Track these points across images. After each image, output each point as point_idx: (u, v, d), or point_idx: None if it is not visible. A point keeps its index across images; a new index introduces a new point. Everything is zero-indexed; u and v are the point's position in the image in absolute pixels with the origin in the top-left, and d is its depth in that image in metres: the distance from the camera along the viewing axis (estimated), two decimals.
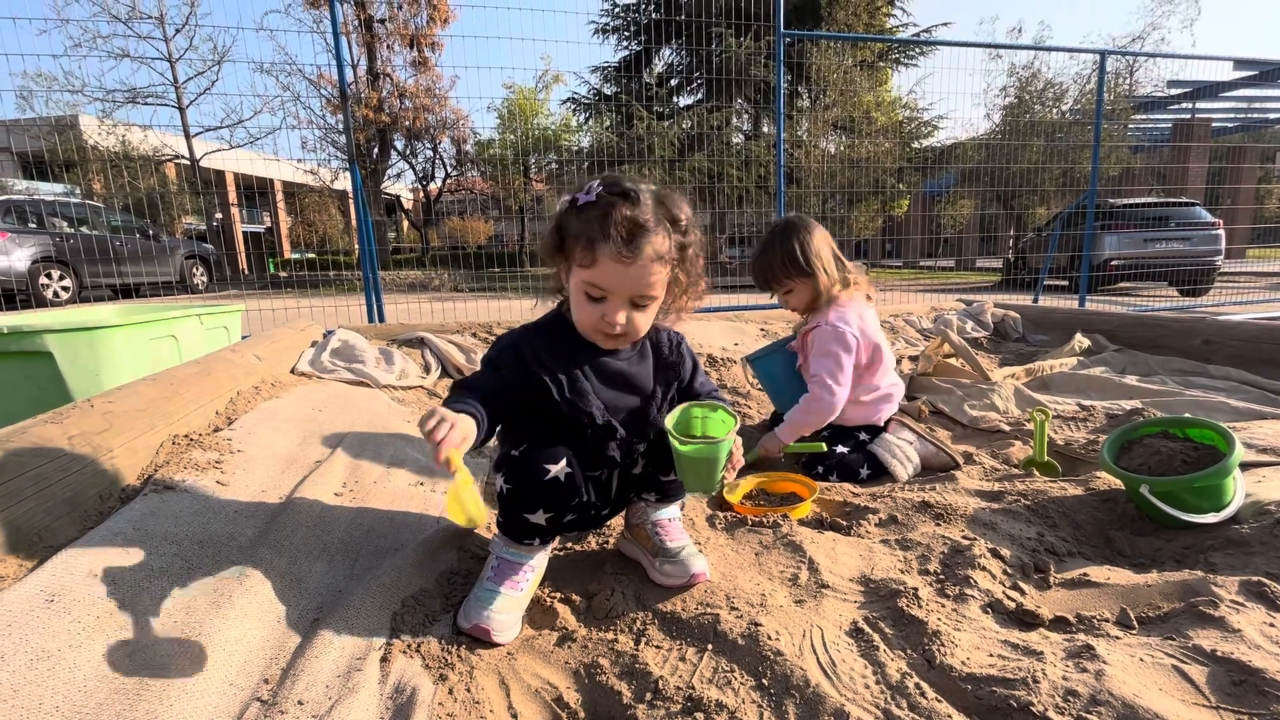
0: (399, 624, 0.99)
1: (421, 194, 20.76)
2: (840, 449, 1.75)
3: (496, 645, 0.99)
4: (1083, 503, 1.40)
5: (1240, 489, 1.27)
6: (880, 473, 1.72)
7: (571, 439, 1.06)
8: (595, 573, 1.19)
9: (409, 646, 0.94)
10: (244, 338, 2.88)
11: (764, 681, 0.86)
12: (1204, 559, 1.15)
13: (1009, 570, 1.14)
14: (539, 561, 1.11)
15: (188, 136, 14.52)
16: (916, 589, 1.05)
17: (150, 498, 1.16)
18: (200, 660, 0.82)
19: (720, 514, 1.44)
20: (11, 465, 1.05)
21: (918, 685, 0.83)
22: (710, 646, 0.95)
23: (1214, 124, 12.63)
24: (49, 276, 8.10)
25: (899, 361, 2.86)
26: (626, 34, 14.71)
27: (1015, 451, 1.84)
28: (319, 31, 14.95)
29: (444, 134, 17.67)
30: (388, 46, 16.30)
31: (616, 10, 14.64)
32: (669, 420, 1.02)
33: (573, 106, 14.99)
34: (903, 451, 1.74)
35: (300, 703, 0.80)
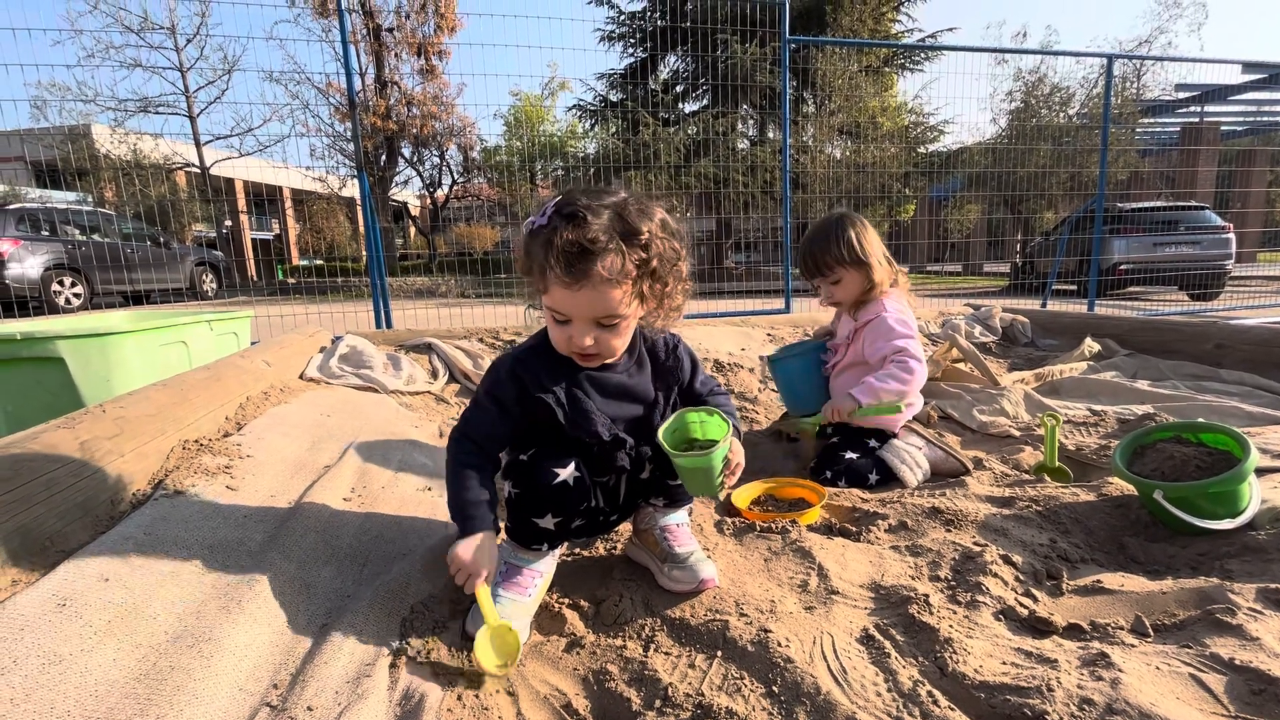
0: (408, 630, 0.99)
1: (429, 201, 20.89)
2: (849, 454, 1.74)
3: None
4: (1095, 508, 1.39)
5: (1256, 495, 1.26)
6: (889, 478, 1.71)
7: (580, 447, 1.06)
8: (604, 578, 1.19)
9: (418, 653, 0.94)
10: (253, 344, 2.90)
11: (774, 689, 0.86)
12: (1220, 566, 1.13)
13: (1021, 577, 1.12)
14: (547, 567, 1.11)
15: (198, 145, 14.69)
16: (927, 595, 1.04)
17: (161, 502, 1.17)
18: (210, 665, 0.83)
19: (729, 519, 1.43)
20: (24, 470, 1.06)
21: (930, 693, 0.82)
22: (720, 653, 0.94)
23: (1223, 127, 12.57)
24: (61, 283, 8.19)
25: None
26: (632, 41, 14.77)
27: (1026, 457, 1.82)
28: (328, 40, 15.08)
29: (451, 141, 17.81)
30: (396, 55, 16.47)
31: (622, 17, 14.72)
32: (662, 430, 1.03)
33: (579, 113, 15.07)
34: (912, 457, 1.73)
35: (309, 708, 0.80)
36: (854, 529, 1.38)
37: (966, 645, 0.91)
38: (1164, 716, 0.73)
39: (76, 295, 8.26)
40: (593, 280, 0.92)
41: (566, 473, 1.03)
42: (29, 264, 7.91)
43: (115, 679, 0.76)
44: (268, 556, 1.08)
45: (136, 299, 7.92)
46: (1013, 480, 1.65)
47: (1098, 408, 2.18)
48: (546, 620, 1.07)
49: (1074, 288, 7.96)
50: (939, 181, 11.01)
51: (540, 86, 17.72)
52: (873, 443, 1.78)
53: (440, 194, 20.12)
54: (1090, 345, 3.03)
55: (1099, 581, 1.10)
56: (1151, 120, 11.95)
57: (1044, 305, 5.84)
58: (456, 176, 19.72)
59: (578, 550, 1.31)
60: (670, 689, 0.87)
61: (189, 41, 14.73)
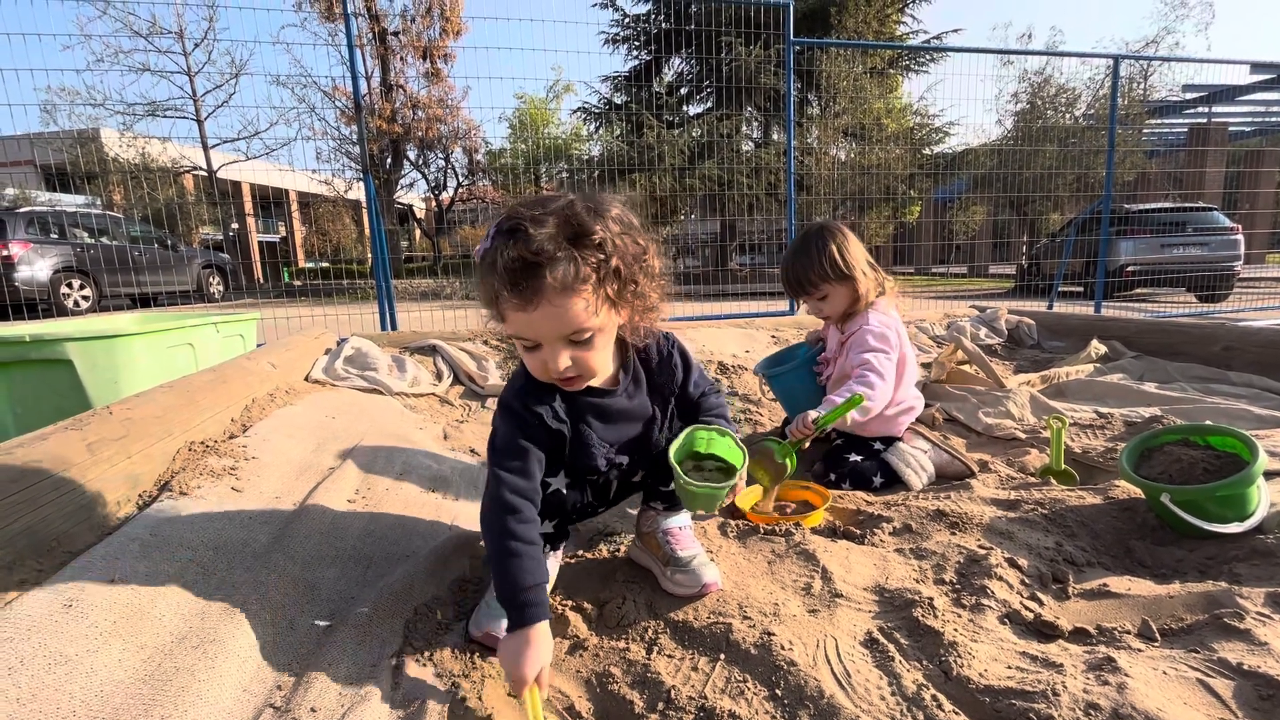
0: (411, 632, 0.99)
1: (434, 203, 20.96)
2: (854, 457, 1.74)
3: None
4: (1101, 512, 1.38)
5: (1265, 498, 1.25)
6: (894, 481, 1.70)
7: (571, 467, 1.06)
8: (607, 581, 1.19)
9: (421, 654, 0.94)
10: (259, 346, 2.91)
11: (777, 692, 0.85)
12: (1228, 570, 1.12)
13: (1026, 580, 1.12)
14: (549, 569, 1.11)
15: (205, 148, 14.78)
16: (932, 599, 1.03)
17: (166, 504, 1.18)
18: (215, 666, 0.83)
19: (732, 522, 1.43)
20: (31, 471, 1.07)
21: (934, 697, 0.82)
22: (723, 656, 0.94)
23: (1231, 128, 12.48)
24: (70, 286, 8.25)
25: None
26: (636, 44, 14.79)
27: (1031, 459, 1.81)
28: (334, 44, 15.23)
29: (456, 144, 17.87)
30: (401, 59, 16.56)
31: (626, 20, 14.74)
32: (673, 450, 1.00)
33: (583, 116, 15.10)
34: (917, 460, 1.72)
35: (313, 709, 0.80)
36: (858, 532, 1.38)
37: (971, 649, 0.91)
38: None
39: (85, 298, 8.33)
40: (546, 296, 0.83)
41: (558, 481, 1.04)
42: (38, 266, 7.98)
43: (120, 679, 0.77)
44: (272, 558, 1.08)
45: (144, 301, 7.97)
46: (1018, 483, 1.64)
47: (1104, 410, 2.17)
48: (550, 623, 1.07)
49: (1080, 289, 7.93)
50: (944, 183, 10.97)
51: (545, 89, 17.77)
52: (877, 445, 1.77)
53: (445, 197, 20.19)
54: (1097, 347, 3.01)
55: (1105, 585, 1.10)
56: (1158, 121, 11.88)
57: (1050, 307, 5.81)
58: (461, 179, 19.79)
59: (581, 553, 1.31)
60: (673, 692, 0.87)
61: (196, 46, 14.84)
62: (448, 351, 2.84)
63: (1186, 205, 8.61)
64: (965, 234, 12.79)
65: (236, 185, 15.87)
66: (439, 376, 2.70)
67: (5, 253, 7.68)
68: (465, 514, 1.45)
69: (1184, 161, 12.40)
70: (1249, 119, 12.11)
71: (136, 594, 0.90)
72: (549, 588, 1.10)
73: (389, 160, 17.01)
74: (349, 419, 1.95)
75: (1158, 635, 0.94)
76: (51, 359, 2.11)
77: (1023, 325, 3.63)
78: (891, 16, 14.17)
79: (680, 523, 1.21)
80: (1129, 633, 0.95)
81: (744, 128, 12.74)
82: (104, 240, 8.31)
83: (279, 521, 1.21)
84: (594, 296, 0.87)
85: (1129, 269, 7.81)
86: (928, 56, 13.84)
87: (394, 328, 4.28)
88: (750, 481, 1.62)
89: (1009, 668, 0.87)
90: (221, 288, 10.43)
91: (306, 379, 2.34)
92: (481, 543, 1.29)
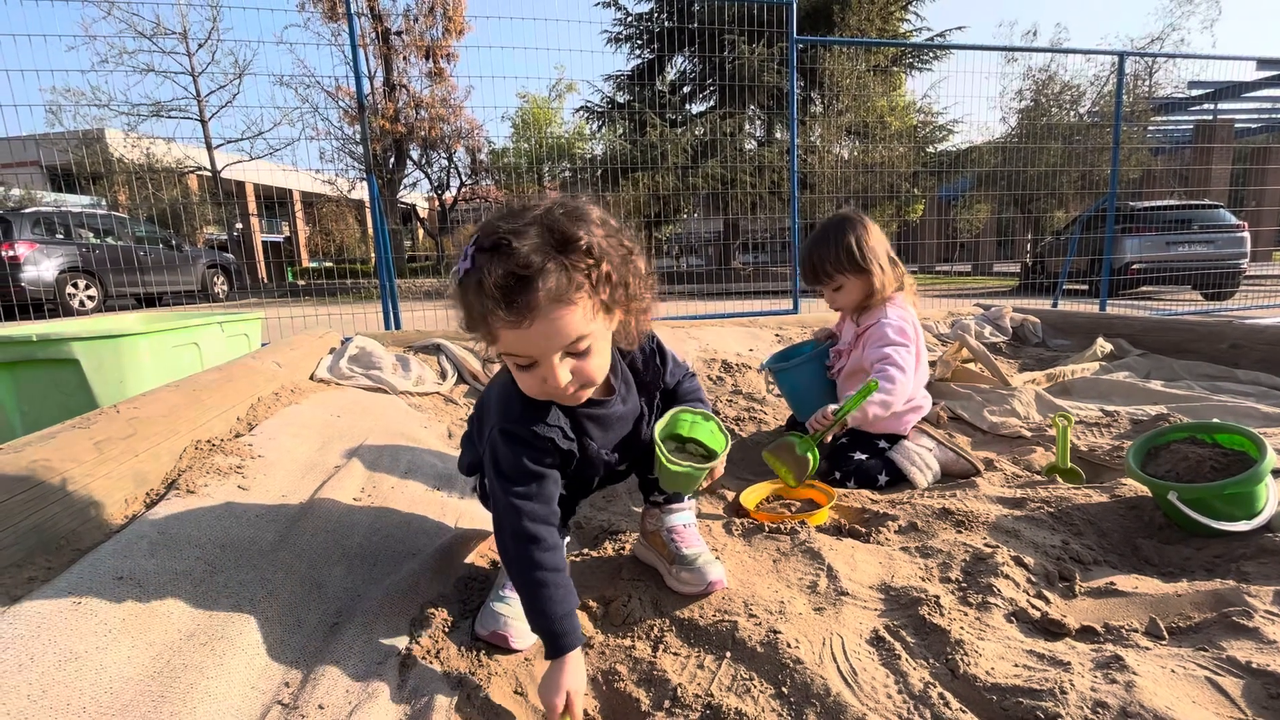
0: (418, 629, 0.99)
1: (437, 203, 20.99)
2: (859, 455, 1.74)
3: (514, 652, 0.99)
4: (1108, 510, 1.37)
5: (1273, 496, 1.24)
6: (899, 479, 1.70)
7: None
8: (612, 579, 1.19)
9: (428, 652, 0.94)
10: (264, 345, 2.92)
11: (783, 690, 0.85)
12: (1236, 568, 1.12)
13: (1033, 578, 1.12)
14: None
15: (209, 149, 14.82)
16: (938, 597, 1.03)
17: (174, 502, 1.18)
18: (223, 663, 0.83)
19: (737, 520, 1.43)
20: (40, 470, 1.07)
21: (941, 695, 0.82)
22: (729, 654, 0.94)
23: (1237, 125, 12.42)
24: (75, 286, 8.29)
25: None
26: (639, 42, 14.79)
27: (1037, 458, 1.81)
28: (337, 44, 15.22)
29: (459, 143, 17.88)
30: (404, 58, 16.56)
31: (629, 19, 14.73)
32: (657, 430, 1.01)
33: (586, 115, 15.11)
34: (922, 458, 1.72)
35: (321, 707, 0.80)
36: (863, 530, 1.37)
37: (978, 647, 0.90)
38: None
39: (91, 298, 8.36)
40: (541, 310, 0.79)
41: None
42: (44, 267, 8.01)
43: (130, 676, 0.77)
44: (279, 556, 1.08)
45: (149, 301, 8.00)
46: (1024, 481, 1.63)
47: (1110, 408, 2.16)
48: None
49: (1085, 287, 7.89)
50: (948, 181, 10.94)
51: (547, 88, 17.77)
52: (882, 444, 1.77)
53: (448, 196, 20.21)
54: (1102, 345, 3.00)
55: (1112, 583, 1.09)
56: (1164, 118, 11.82)
57: (1055, 305, 5.79)
58: (464, 178, 19.80)
59: (586, 551, 1.32)
60: (679, 689, 0.87)
61: (200, 46, 14.86)
62: (452, 350, 2.84)
63: (1192, 203, 8.56)
64: (969, 232, 12.74)
65: (240, 185, 15.90)
66: (443, 375, 2.71)
67: (11, 253, 7.71)
68: (471, 512, 1.45)
69: (1190, 158, 12.34)
70: (1255, 115, 12.04)
71: (145, 591, 0.91)
72: None
73: (392, 160, 17.02)
74: (354, 418, 1.95)
75: (1165, 634, 0.94)
76: (58, 358, 2.12)
77: (1028, 323, 3.62)
78: (895, 14, 14.13)
79: (684, 521, 1.21)
80: (1136, 631, 0.95)
81: (747, 126, 12.73)
82: (109, 241, 8.34)
83: (285, 519, 1.21)
84: (588, 303, 0.84)
85: (1134, 267, 7.77)
86: (931, 54, 13.82)
87: (398, 327, 4.29)
88: (772, 476, 1.63)
89: (1016, 666, 0.87)
90: (226, 288, 10.45)
91: (311, 378, 2.35)
92: (486, 542, 1.29)
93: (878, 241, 1.78)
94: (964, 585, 1.09)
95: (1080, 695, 0.77)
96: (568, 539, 1.17)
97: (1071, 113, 11.91)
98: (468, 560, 1.23)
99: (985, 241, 13.72)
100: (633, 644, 0.99)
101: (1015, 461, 1.81)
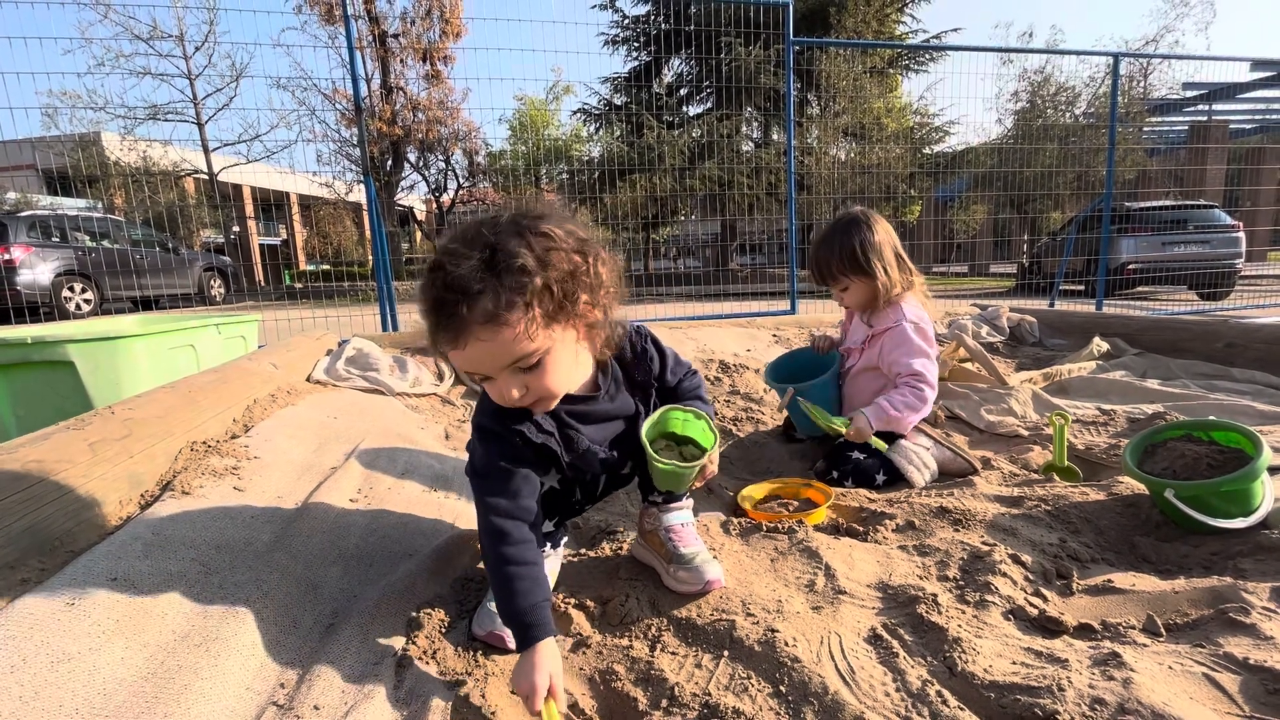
0: (414, 630, 0.99)
1: (434, 205, 20.98)
2: (857, 454, 1.73)
3: (511, 652, 0.98)
4: (1105, 508, 1.38)
5: (1269, 493, 1.24)
6: (896, 479, 1.69)
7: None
8: (610, 578, 1.19)
9: (424, 653, 0.94)
10: (260, 347, 2.91)
11: (781, 688, 0.85)
12: (1233, 565, 1.12)
13: (1030, 576, 1.11)
14: (551, 567, 1.11)
15: (206, 152, 14.82)
16: (936, 595, 1.03)
17: (169, 503, 1.17)
18: (218, 664, 0.83)
19: (735, 519, 1.43)
20: (34, 471, 1.07)
21: (939, 693, 0.82)
22: (726, 653, 0.94)
23: (1231, 126, 12.47)
24: (71, 289, 8.26)
25: None
26: (636, 45, 14.82)
27: (1034, 456, 1.81)
28: (334, 47, 15.22)
29: (456, 145, 17.88)
30: (401, 61, 16.57)
31: (626, 21, 14.76)
32: (645, 428, 1.01)
33: (583, 117, 15.12)
34: (919, 457, 1.72)
35: (316, 708, 0.80)
36: (861, 529, 1.37)
37: (976, 645, 0.90)
38: (1177, 717, 0.72)
39: (87, 301, 8.34)
40: (471, 331, 0.80)
41: (550, 479, 1.04)
42: (40, 270, 7.99)
43: (123, 677, 0.77)
44: (275, 557, 1.08)
45: (146, 304, 7.98)
46: (1021, 480, 1.64)
47: (1107, 407, 2.17)
48: (552, 620, 1.07)
49: (1082, 288, 7.92)
50: (944, 182, 10.97)
51: (545, 91, 17.80)
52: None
53: (446, 198, 20.21)
54: (1099, 344, 3.00)
55: (1110, 581, 1.09)
56: (1159, 119, 11.87)
57: (1052, 305, 5.80)
58: (462, 181, 19.80)
59: (583, 550, 1.31)
60: (677, 689, 0.87)
61: (197, 49, 14.87)
62: None
63: (1187, 203, 8.59)
64: (966, 233, 12.79)
65: (237, 188, 15.91)
66: (440, 376, 2.70)
67: (7, 256, 7.69)
68: (467, 513, 1.45)
69: (1185, 159, 12.39)
70: (1250, 116, 12.10)
71: (139, 592, 0.90)
72: (551, 585, 1.10)
73: (389, 162, 17.02)
74: (351, 419, 1.95)
75: (1163, 630, 0.94)
76: (53, 361, 2.11)
77: (1024, 323, 3.63)
78: (891, 16, 14.19)
79: (682, 520, 1.21)
80: (1134, 628, 0.95)
81: (744, 128, 12.75)
82: (105, 244, 8.33)
83: (281, 520, 1.21)
84: (528, 324, 0.82)
85: (1130, 267, 7.79)
86: (927, 55, 13.86)
87: (395, 329, 4.28)
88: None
89: (1014, 663, 0.87)
90: (223, 290, 10.44)
91: (308, 380, 2.34)
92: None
93: (885, 241, 1.78)
94: (962, 583, 1.09)
95: (1078, 692, 0.77)
96: (565, 539, 1.17)
97: (1067, 114, 11.97)
98: (464, 561, 1.23)
99: (982, 242, 13.76)
100: (630, 643, 0.99)
101: (1013, 460, 1.81)
